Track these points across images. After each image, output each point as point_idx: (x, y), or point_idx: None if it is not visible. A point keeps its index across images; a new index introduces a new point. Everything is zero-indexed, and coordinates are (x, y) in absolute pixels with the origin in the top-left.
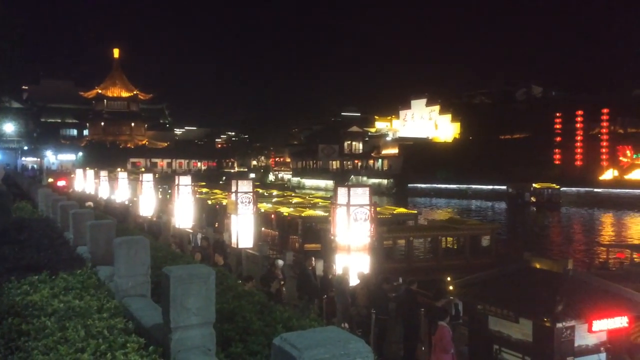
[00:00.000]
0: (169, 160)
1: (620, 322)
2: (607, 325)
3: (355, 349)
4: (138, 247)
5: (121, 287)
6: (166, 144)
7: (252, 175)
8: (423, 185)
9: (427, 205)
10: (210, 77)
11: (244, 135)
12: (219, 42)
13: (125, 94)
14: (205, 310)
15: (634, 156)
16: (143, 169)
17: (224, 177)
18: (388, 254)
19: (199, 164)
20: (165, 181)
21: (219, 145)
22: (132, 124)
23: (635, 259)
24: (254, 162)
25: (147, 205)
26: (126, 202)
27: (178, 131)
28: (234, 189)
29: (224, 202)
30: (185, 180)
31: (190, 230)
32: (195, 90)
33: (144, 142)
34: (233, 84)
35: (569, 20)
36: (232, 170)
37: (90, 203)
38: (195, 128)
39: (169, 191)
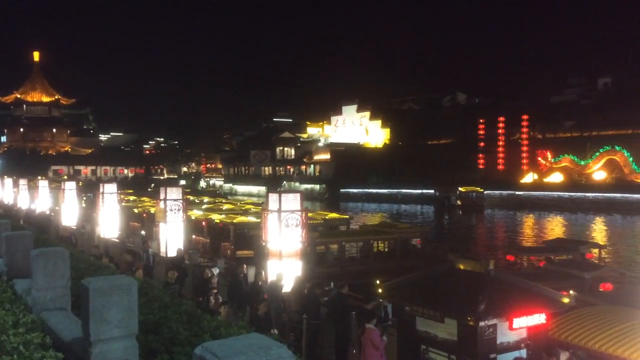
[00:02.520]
0: (94, 167)
1: (538, 318)
2: (526, 322)
3: (277, 355)
4: (57, 258)
5: (39, 300)
6: (90, 151)
7: (182, 182)
8: (355, 190)
9: (359, 209)
10: (138, 82)
11: (174, 141)
12: (146, 46)
13: (46, 99)
14: (127, 321)
15: (552, 160)
16: (65, 177)
17: (152, 184)
18: (321, 258)
19: (125, 170)
20: (90, 189)
21: (147, 152)
22: (54, 130)
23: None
24: (184, 169)
25: (70, 215)
26: (47, 212)
27: (103, 137)
28: (162, 196)
29: (152, 210)
30: (110, 188)
31: (140, 246)
32: (121, 96)
33: (66, 149)
34: (161, 90)
35: (491, 31)
36: (161, 177)
37: None
38: (121, 134)
39: (94, 199)
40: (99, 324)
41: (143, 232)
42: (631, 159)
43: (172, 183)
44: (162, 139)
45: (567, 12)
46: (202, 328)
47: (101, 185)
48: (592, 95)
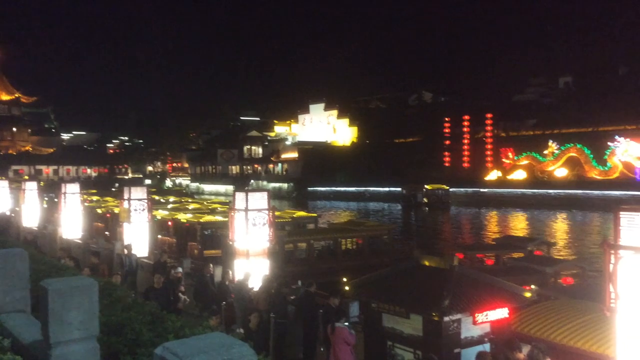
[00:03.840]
0: (56, 167)
1: (501, 313)
2: (489, 316)
3: (238, 354)
4: (15, 259)
5: None
6: (52, 150)
7: (148, 181)
8: (323, 189)
9: (327, 208)
10: (101, 81)
11: (138, 140)
12: (109, 45)
13: (5, 97)
14: (88, 323)
15: (515, 158)
16: (26, 177)
17: (116, 184)
18: (289, 257)
19: (88, 170)
20: (51, 189)
21: (111, 151)
22: (14, 129)
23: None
24: (150, 168)
25: (31, 216)
26: (7, 213)
27: (65, 136)
28: (126, 196)
29: (116, 210)
30: (73, 188)
31: (122, 251)
32: (84, 94)
33: (27, 148)
34: (126, 88)
35: (455, 31)
36: (126, 177)
37: None
38: (84, 133)
39: (55, 200)
40: (58, 326)
41: (107, 233)
42: (591, 156)
43: (136, 182)
44: (126, 138)
45: (528, 13)
46: (166, 329)
47: (63, 185)
48: (554, 94)
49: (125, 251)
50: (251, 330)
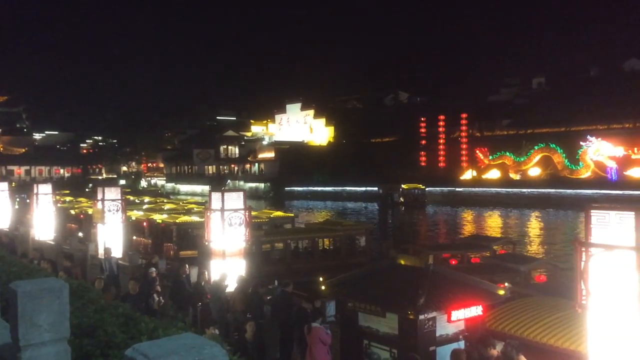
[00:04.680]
0: (27, 167)
1: (475, 311)
2: (464, 314)
3: (210, 354)
4: None
5: None
6: (24, 150)
7: (122, 181)
8: (300, 188)
9: (304, 207)
10: (74, 80)
11: (112, 139)
12: (83, 44)
13: None
14: (58, 325)
15: (490, 157)
16: None
17: (90, 185)
18: (266, 257)
19: (61, 170)
20: (23, 190)
21: (85, 151)
22: None
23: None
24: (124, 168)
25: (2, 217)
26: None
27: (38, 136)
28: (100, 196)
29: (90, 211)
30: (45, 189)
31: (96, 253)
32: (56, 94)
33: None
34: (99, 88)
35: (431, 32)
36: (100, 177)
37: None
38: (57, 132)
39: (27, 201)
40: (28, 329)
41: (80, 234)
42: (564, 155)
43: (110, 183)
44: (100, 138)
45: (503, 15)
46: (140, 330)
47: (35, 185)
48: (527, 94)
49: (105, 255)
50: (246, 341)
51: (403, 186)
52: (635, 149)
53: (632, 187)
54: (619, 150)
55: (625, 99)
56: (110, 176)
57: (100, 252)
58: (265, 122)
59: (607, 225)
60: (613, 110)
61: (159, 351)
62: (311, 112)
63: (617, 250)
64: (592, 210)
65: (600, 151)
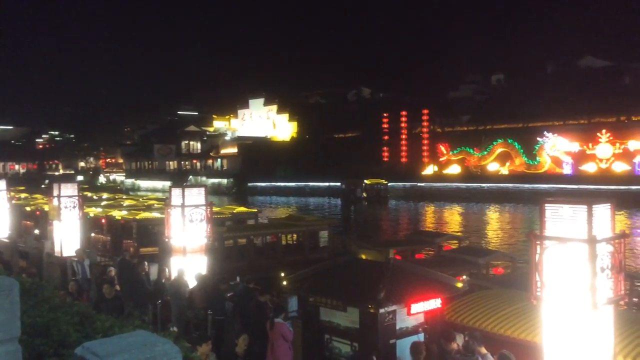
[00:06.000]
0: None
1: (434, 303)
2: (423, 307)
3: (162, 351)
4: None
5: None
6: None
7: (80, 177)
8: (263, 184)
9: (268, 203)
10: (29, 73)
11: (70, 134)
12: (37, 35)
13: None
14: (9, 324)
15: (451, 152)
16: None
17: (46, 181)
18: (228, 253)
19: (17, 166)
20: None
21: (41, 146)
22: None
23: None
24: (82, 164)
25: None
26: None
27: None
28: (56, 193)
29: (46, 207)
30: None
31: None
32: (10, 87)
33: None
34: (56, 81)
35: (393, 28)
36: (57, 173)
37: None
38: (11, 127)
39: None
40: None
41: (37, 232)
42: (522, 151)
43: (68, 179)
44: (56, 133)
45: (462, 13)
46: (95, 329)
47: None
48: (486, 91)
49: (76, 257)
50: (236, 355)
51: (366, 181)
52: (590, 144)
53: (586, 181)
54: (575, 146)
55: (581, 95)
56: (68, 172)
57: (57, 250)
58: (227, 117)
59: (560, 219)
60: (569, 106)
61: (110, 349)
62: (274, 107)
63: (570, 242)
64: (546, 204)
65: (556, 146)
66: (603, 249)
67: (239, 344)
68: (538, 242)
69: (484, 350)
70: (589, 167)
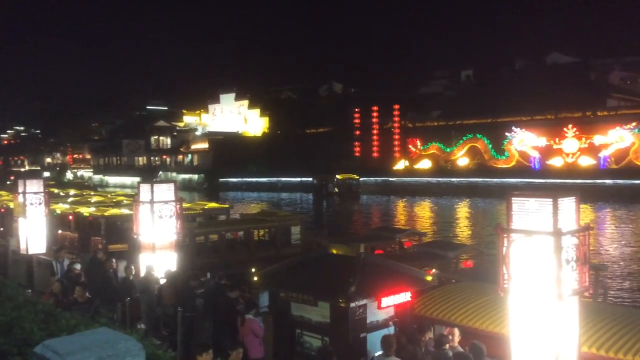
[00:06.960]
0: None
1: (404, 297)
2: (393, 301)
3: (124, 348)
4: None
5: None
6: None
7: (46, 174)
8: (234, 180)
9: (239, 199)
10: None
11: (36, 130)
12: (5, 27)
13: None
14: None
15: (421, 147)
16: None
17: (11, 177)
18: (200, 249)
19: None
20: None
21: (5, 142)
22: None
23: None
24: (49, 160)
25: None
26: None
27: None
28: (21, 189)
29: (11, 204)
30: None
31: (23, 251)
32: None
33: None
34: (22, 76)
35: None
36: (22, 169)
37: None
38: None
39: None
40: None
41: (1, 229)
42: (490, 145)
43: (34, 175)
44: (22, 128)
45: (431, 8)
46: (60, 327)
47: None
48: (456, 86)
49: (55, 256)
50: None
51: (337, 176)
52: (557, 139)
53: (553, 175)
54: (542, 141)
55: (548, 91)
56: (34, 168)
57: (22, 248)
58: (198, 112)
59: (527, 212)
60: (536, 102)
61: (71, 347)
62: (245, 102)
63: (536, 235)
64: (513, 198)
65: (524, 141)
66: (568, 241)
67: (233, 357)
68: (505, 235)
69: (456, 332)
70: (556, 162)
